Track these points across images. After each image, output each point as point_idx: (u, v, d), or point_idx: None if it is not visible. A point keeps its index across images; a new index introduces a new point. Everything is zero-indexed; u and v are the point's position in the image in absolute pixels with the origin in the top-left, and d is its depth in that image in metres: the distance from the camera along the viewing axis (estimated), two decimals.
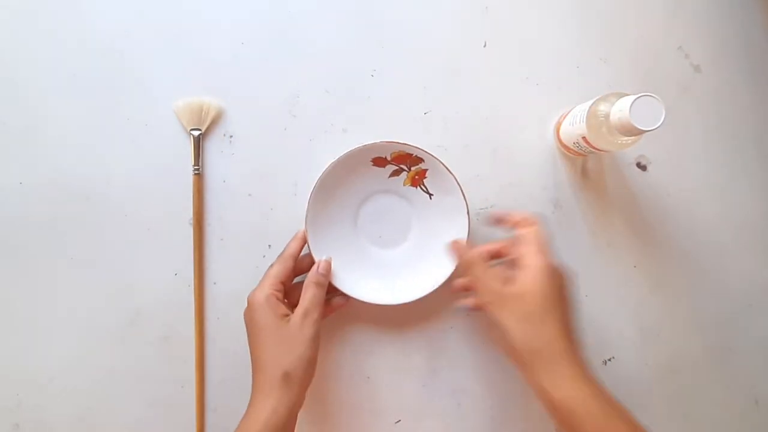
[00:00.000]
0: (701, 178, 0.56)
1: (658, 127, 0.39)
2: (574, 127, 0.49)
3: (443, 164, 0.50)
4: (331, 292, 0.50)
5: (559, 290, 0.44)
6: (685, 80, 0.57)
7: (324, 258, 0.49)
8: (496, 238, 0.55)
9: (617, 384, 0.55)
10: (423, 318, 0.54)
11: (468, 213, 0.50)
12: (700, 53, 0.57)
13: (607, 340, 0.55)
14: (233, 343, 0.53)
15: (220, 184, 0.53)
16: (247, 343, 0.46)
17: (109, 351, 0.52)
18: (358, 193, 0.53)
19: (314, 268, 0.49)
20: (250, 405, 0.44)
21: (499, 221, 0.50)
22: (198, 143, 0.53)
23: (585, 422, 0.41)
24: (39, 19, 0.53)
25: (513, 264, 0.46)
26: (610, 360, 0.55)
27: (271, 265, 0.48)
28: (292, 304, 0.47)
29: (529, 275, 0.44)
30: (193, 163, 0.53)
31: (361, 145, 0.50)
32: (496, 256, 0.49)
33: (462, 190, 0.50)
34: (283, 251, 0.49)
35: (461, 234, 0.50)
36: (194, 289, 0.52)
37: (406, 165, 0.52)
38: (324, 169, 0.50)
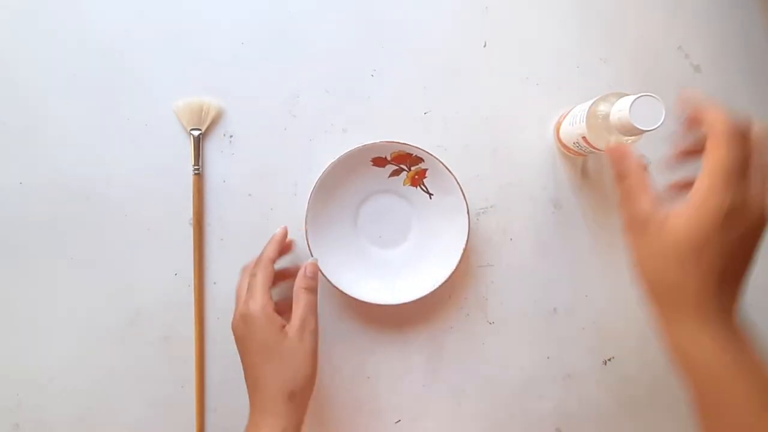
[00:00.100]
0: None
1: (658, 127, 0.39)
2: (574, 127, 0.49)
3: (443, 164, 0.50)
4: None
5: (726, 242, 0.34)
6: (685, 80, 0.57)
7: (310, 260, 0.48)
8: (497, 239, 0.55)
9: (617, 384, 0.55)
10: (423, 318, 0.54)
11: (468, 213, 0.50)
12: (700, 53, 0.57)
13: (607, 340, 0.55)
14: (233, 343, 0.53)
15: (220, 184, 0.53)
16: (240, 359, 0.45)
17: (109, 351, 0.52)
18: (358, 193, 0.53)
19: (301, 271, 0.46)
20: (252, 425, 0.43)
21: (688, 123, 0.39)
22: (198, 143, 0.53)
23: (709, 386, 0.35)
24: (39, 19, 0.53)
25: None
26: (610, 360, 0.55)
27: (254, 274, 0.45)
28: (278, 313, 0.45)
29: (685, 213, 0.34)
30: (193, 163, 0.53)
31: (361, 145, 0.50)
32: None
33: (462, 190, 0.50)
34: (261, 256, 0.47)
35: (461, 234, 0.50)
36: (194, 289, 0.52)
37: (406, 165, 0.52)
38: (324, 169, 0.50)
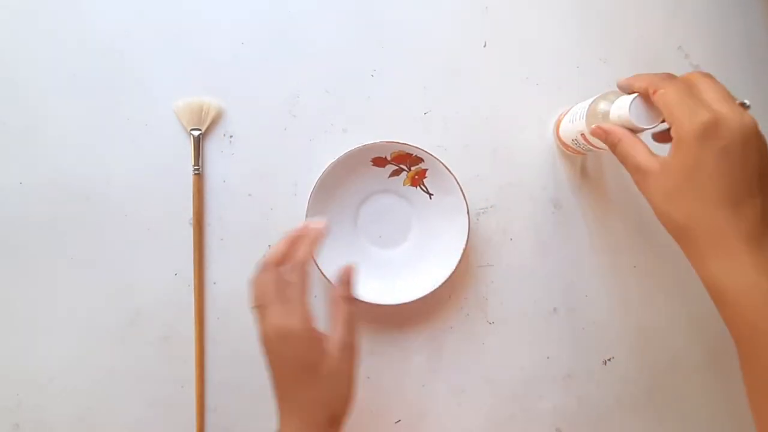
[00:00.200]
0: None
1: (658, 125, 0.39)
2: (573, 124, 0.49)
3: (443, 164, 0.50)
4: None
5: (721, 154, 0.34)
6: None
7: (347, 264, 0.43)
8: (497, 239, 0.55)
9: (617, 384, 0.55)
10: (423, 318, 0.54)
11: (468, 213, 0.50)
12: (700, 53, 0.57)
13: (607, 340, 0.55)
14: (233, 343, 0.53)
15: (220, 184, 0.53)
16: (271, 374, 0.40)
17: (109, 351, 0.52)
18: (358, 193, 0.53)
19: (338, 277, 0.42)
20: None
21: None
22: (198, 143, 0.53)
23: (747, 312, 0.34)
24: (39, 19, 0.53)
25: None
26: (610, 360, 0.55)
27: (289, 281, 0.40)
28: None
29: (675, 146, 0.36)
30: (193, 163, 0.53)
31: (361, 145, 0.50)
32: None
33: (462, 190, 0.50)
34: (297, 258, 0.41)
35: (461, 234, 0.50)
36: (194, 289, 0.52)
37: (406, 165, 0.52)
38: (324, 169, 0.50)
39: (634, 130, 0.40)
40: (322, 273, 0.50)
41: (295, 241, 0.42)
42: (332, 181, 0.50)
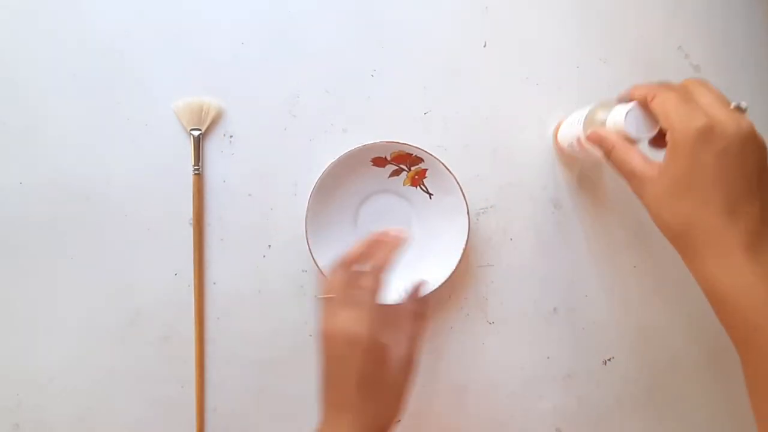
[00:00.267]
0: None
1: (653, 135, 0.39)
2: (571, 129, 0.49)
3: (443, 164, 0.50)
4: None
5: (718, 158, 0.34)
6: None
7: (419, 280, 0.43)
8: (497, 239, 0.55)
9: (617, 384, 0.55)
10: None
11: (468, 213, 0.50)
12: (700, 53, 0.57)
13: (607, 340, 0.55)
14: (233, 343, 0.53)
15: (220, 184, 0.53)
16: (324, 372, 0.40)
17: (109, 351, 0.52)
18: (358, 193, 0.53)
19: (412, 291, 0.42)
20: None
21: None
22: (198, 143, 0.53)
23: (748, 314, 0.33)
24: (39, 19, 0.53)
25: None
26: (610, 360, 0.55)
27: (365, 286, 0.39)
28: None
29: (670, 151, 0.36)
30: (193, 163, 0.53)
31: (361, 145, 0.50)
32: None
33: (462, 190, 0.50)
34: (374, 264, 0.40)
35: (461, 234, 0.50)
36: (194, 289, 0.52)
37: (405, 165, 0.52)
38: (324, 169, 0.50)
39: (631, 141, 0.40)
40: (321, 273, 0.50)
41: (373, 245, 0.42)
42: (332, 181, 0.50)
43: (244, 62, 0.54)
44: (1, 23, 0.53)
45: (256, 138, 0.54)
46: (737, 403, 0.56)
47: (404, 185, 0.53)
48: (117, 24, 0.54)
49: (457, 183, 0.50)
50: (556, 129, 0.54)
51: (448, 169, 0.50)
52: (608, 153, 0.40)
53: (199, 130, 0.53)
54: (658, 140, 0.40)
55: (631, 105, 0.40)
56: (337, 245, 0.51)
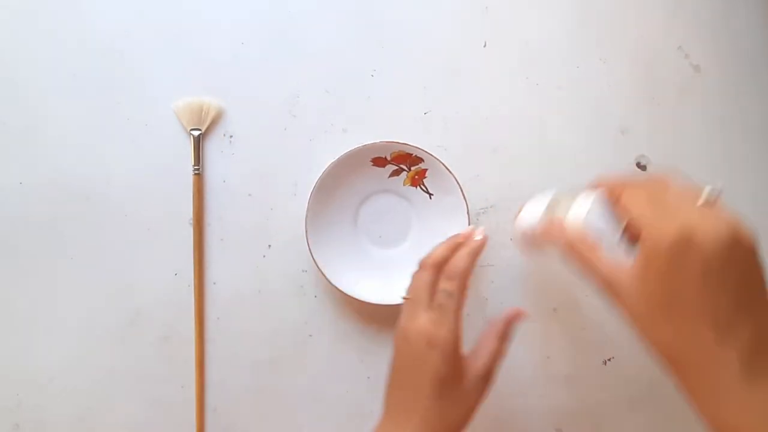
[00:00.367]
0: (701, 177, 0.56)
1: (618, 236, 0.35)
2: (531, 216, 0.44)
3: (443, 164, 0.50)
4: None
5: (699, 274, 0.29)
6: (685, 80, 0.57)
7: (513, 308, 0.42)
8: (497, 239, 0.55)
9: (617, 384, 0.55)
10: None
11: (468, 213, 0.50)
12: (700, 53, 0.57)
13: (607, 340, 0.55)
14: (233, 343, 0.53)
15: (220, 184, 0.53)
16: (395, 371, 0.40)
17: (109, 351, 0.52)
18: (358, 193, 0.53)
19: (503, 317, 0.41)
20: None
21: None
22: (198, 143, 0.53)
23: None
24: (39, 19, 0.53)
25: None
26: (610, 360, 0.55)
27: (450, 293, 0.38)
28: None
29: (645, 262, 0.31)
30: (193, 163, 0.53)
31: (361, 145, 0.50)
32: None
33: (462, 190, 0.50)
34: (456, 268, 0.39)
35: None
36: (194, 289, 0.52)
37: (405, 165, 0.52)
38: (324, 169, 0.50)
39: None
40: (322, 273, 0.50)
41: (456, 247, 0.41)
42: (332, 181, 0.51)
43: (244, 62, 0.54)
44: (1, 23, 0.53)
45: (256, 138, 0.54)
46: None
47: (404, 185, 0.53)
48: (117, 24, 0.54)
49: (457, 183, 0.50)
50: (517, 212, 0.47)
51: (448, 169, 0.50)
52: (569, 251, 0.37)
53: (199, 130, 0.53)
54: (630, 234, 0.36)
55: (594, 199, 0.36)
56: (337, 245, 0.52)
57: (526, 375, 0.54)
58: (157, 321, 0.52)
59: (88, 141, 0.53)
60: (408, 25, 0.55)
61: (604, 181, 0.36)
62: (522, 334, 0.55)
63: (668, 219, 0.30)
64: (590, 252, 0.35)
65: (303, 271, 0.53)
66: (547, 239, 0.39)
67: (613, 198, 0.35)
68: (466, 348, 0.40)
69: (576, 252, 0.36)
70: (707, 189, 0.32)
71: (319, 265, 0.50)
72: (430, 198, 0.53)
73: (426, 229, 0.53)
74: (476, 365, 0.39)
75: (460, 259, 0.40)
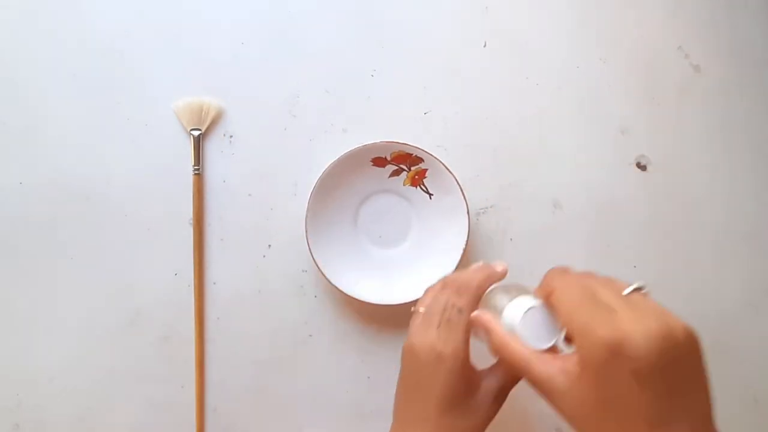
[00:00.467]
0: (701, 177, 0.56)
1: (550, 347, 0.34)
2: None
3: (443, 164, 0.50)
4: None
5: (633, 379, 0.29)
6: (685, 80, 0.57)
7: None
8: (497, 239, 0.55)
9: None
10: None
11: (468, 213, 0.50)
12: (700, 53, 0.57)
13: None
14: (233, 343, 0.53)
15: (220, 184, 0.53)
16: (404, 383, 0.40)
17: (109, 351, 0.52)
18: (358, 193, 0.53)
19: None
20: None
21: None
22: (198, 143, 0.53)
23: None
24: (39, 19, 0.53)
25: None
26: None
27: (460, 308, 0.38)
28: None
29: (580, 364, 0.31)
30: (193, 163, 0.53)
31: (361, 145, 0.50)
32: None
33: (462, 190, 0.50)
34: (470, 286, 0.39)
35: (461, 234, 0.50)
36: (194, 289, 0.52)
37: (406, 165, 0.52)
38: (324, 169, 0.50)
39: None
40: (322, 273, 0.50)
41: (477, 273, 0.41)
42: (332, 181, 0.50)
43: (244, 62, 0.54)
44: (1, 23, 0.53)
45: (256, 138, 0.54)
46: (736, 403, 0.56)
47: (404, 185, 0.53)
48: (117, 24, 0.54)
49: (457, 183, 0.50)
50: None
51: (448, 169, 0.50)
52: (496, 350, 0.36)
53: (199, 130, 0.53)
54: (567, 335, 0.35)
55: (531, 304, 0.35)
56: (337, 245, 0.52)
57: None
58: (157, 321, 0.52)
59: (88, 141, 0.53)
60: (408, 25, 0.55)
61: (547, 281, 0.35)
62: None
63: (598, 324, 0.30)
64: (519, 355, 0.34)
65: (303, 271, 0.53)
66: (473, 330, 0.38)
67: (544, 295, 0.35)
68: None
69: (503, 352, 0.36)
70: (634, 285, 0.32)
71: (319, 265, 0.50)
72: (430, 198, 0.53)
73: (426, 229, 0.53)
74: (490, 382, 0.39)
75: (474, 278, 0.40)
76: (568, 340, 0.35)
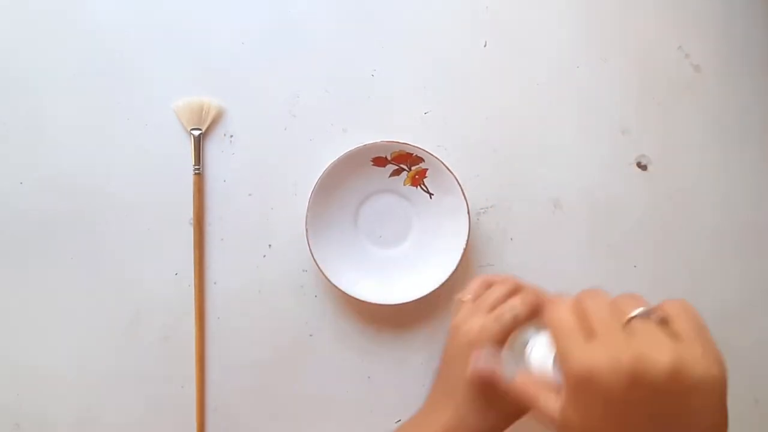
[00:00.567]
0: (701, 177, 0.56)
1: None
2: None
3: (443, 164, 0.50)
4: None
5: (604, 408, 0.30)
6: (685, 80, 0.57)
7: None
8: (497, 239, 0.55)
9: None
10: (423, 318, 0.54)
11: (468, 212, 0.50)
12: (700, 53, 0.57)
13: None
14: (233, 342, 0.53)
15: (220, 184, 0.53)
16: (443, 361, 0.43)
17: (109, 351, 0.52)
18: (358, 193, 0.53)
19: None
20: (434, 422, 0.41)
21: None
22: (198, 143, 0.53)
23: None
24: (39, 19, 0.53)
25: None
26: None
27: (515, 312, 0.40)
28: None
29: (563, 391, 0.32)
30: (193, 163, 0.53)
31: (361, 144, 0.50)
32: None
33: (462, 190, 0.50)
34: (535, 298, 0.41)
35: (461, 234, 0.50)
36: (194, 289, 0.52)
37: (406, 165, 0.52)
38: (324, 169, 0.50)
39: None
40: (322, 273, 0.50)
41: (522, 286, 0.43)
42: (332, 181, 0.50)
43: (244, 62, 0.54)
44: (1, 23, 0.53)
45: (256, 138, 0.54)
46: (736, 402, 0.55)
47: (404, 185, 0.53)
48: (117, 24, 0.54)
49: (458, 183, 0.50)
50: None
51: (448, 169, 0.50)
52: (507, 393, 0.37)
53: (200, 129, 0.53)
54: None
55: (536, 338, 0.36)
56: (337, 245, 0.52)
57: None
58: (157, 321, 0.52)
59: (88, 141, 0.53)
60: (408, 25, 0.55)
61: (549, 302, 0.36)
62: None
63: (573, 352, 0.30)
64: (525, 384, 0.35)
65: (303, 271, 0.53)
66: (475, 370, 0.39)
67: (538, 314, 0.38)
68: None
69: (513, 384, 0.36)
70: (637, 311, 0.31)
71: (319, 265, 0.50)
72: (431, 198, 0.53)
73: (426, 229, 0.53)
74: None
75: (540, 296, 0.42)
76: None
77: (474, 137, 0.55)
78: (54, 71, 0.53)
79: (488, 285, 0.44)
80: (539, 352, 0.36)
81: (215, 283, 0.53)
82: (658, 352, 0.28)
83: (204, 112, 0.52)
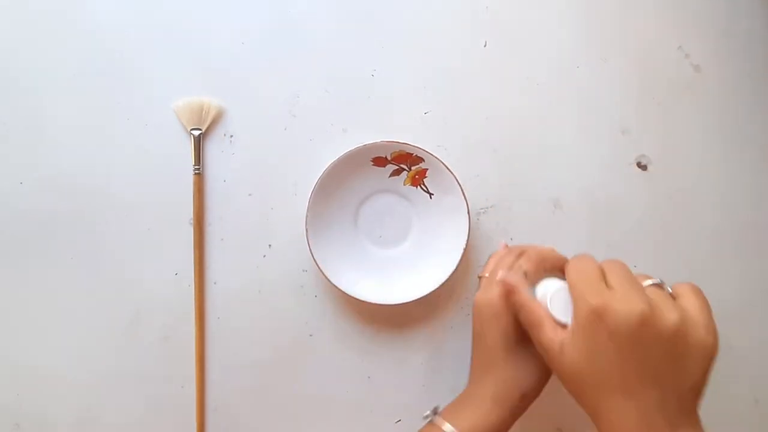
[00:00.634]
0: (701, 177, 0.56)
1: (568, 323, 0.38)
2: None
3: (443, 164, 0.50)
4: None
5: (609, 342, 0.34)
6: (685, 80, 0.57)
7: None
8: (497, 239, 0.55)
9: None
10: (423, 318, 0.54)
11: (468, 212, 0.50)
12: (700, 53, 0.57)
13: None
14: (233, 342, 0.53)
15: (220, 184, 0.53)
16: (474, 336, 0.45)
17: (109, 351, 0.52)
18: (358, 192, 0.53)
19: None
20: (477, 406, 0.43)
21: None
22: (198, 143, 0.53)
23: None
24: (39, 19, 0.53)
25: None
26: None
27: (524, 270, 0.43)
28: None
29: (572, 327, 0.36)
30: (193, 163, 0.53)
31: (361, 145, 0.50)
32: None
33: (462, 190, 0.50)
34: (537, 254, 0.44)
35: (461, 234, 0.50)
36: (194, 289, 0.52)
37: (406, 164, 0.52)
38: (324, 169, 0.50)
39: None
40: (322, 273, 0.50)
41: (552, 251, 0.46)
42: (332, 181, 0.50)
43: (244, 62, 0.54)
44: (1, 23, 0.53)
45: (257, 138, 0.54)
46: (737, 402, 0.56)
47: (404, 185, 0.53)
48: (117, 24, 0.54)
49: (458, 183, 0.50)
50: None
51: (448, 169, 0.50)
52: (517, 309, 0.41)
53: (200, 129, 0.53)
54: None
55: (559, 285, 0.39)
56: (337, 245, 0.52)
57: None
58: (157, 321, 0.52)
59: (88, 141, 0.53)
60: (408, 25, 0.55)
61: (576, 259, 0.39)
62: None
63: (591, 294, 0.35)
64: (533, 312, 0.39)
65: (303, 271, 0.53)
66: (500, 286, 0.43)
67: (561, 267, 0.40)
68: None
69: (521, 313, 0.41)
70: (656, 279, 0.37)
71: (319, 265, 0.50)
72: (431, 198, 0.53)
73: (426, 228, 0.53)
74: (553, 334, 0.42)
75: (543, 249, 0.45)
76: None
77: (474, 137, 0.55)
78: (54, 71, 0.53)
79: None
80: (553, 302, 0.39)
81: (215, 283, 0.53)
82: (669, 311, 0.34)
83: (204, 112, 0.53)
